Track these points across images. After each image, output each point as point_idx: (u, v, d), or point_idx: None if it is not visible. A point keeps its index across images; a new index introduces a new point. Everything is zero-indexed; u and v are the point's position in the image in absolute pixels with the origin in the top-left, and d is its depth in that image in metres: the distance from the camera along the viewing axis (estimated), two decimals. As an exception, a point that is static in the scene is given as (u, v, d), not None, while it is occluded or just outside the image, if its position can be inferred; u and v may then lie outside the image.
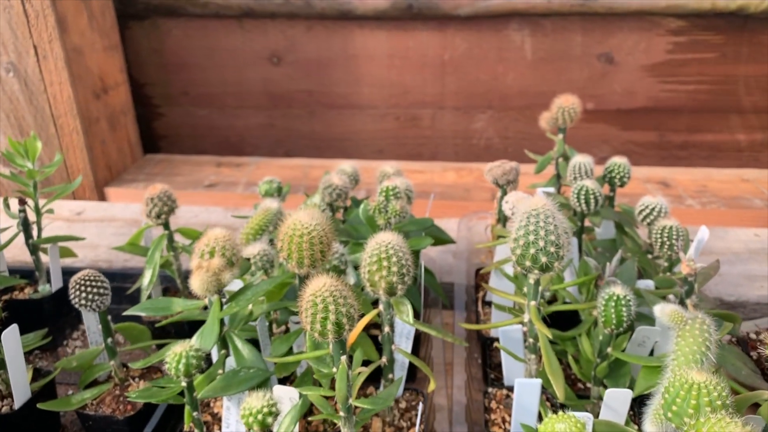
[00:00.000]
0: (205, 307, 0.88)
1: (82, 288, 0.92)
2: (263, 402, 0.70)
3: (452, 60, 2.06)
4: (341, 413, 0.75)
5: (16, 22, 1.74)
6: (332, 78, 2.14)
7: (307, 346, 0.82)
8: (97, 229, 1.71)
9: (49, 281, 1.28)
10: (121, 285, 1.34)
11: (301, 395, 0.79)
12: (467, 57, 2.05)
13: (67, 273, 1.30)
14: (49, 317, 1.24)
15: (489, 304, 1.18)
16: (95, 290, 0.92)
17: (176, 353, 0.77)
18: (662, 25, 1.94)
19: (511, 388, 0.97)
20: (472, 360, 1.12)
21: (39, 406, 0.95)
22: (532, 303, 0.82)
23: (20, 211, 1.24)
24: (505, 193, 1.17)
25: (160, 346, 1.13)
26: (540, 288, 0.82)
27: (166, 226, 1.14)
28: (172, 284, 1.29)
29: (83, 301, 0.92)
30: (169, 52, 2.16)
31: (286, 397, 0.80)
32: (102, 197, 1.98)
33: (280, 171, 2.11)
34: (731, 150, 2.08)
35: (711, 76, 1.99)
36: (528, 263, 0.78)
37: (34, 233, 1.26)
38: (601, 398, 0.91)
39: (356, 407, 0.75)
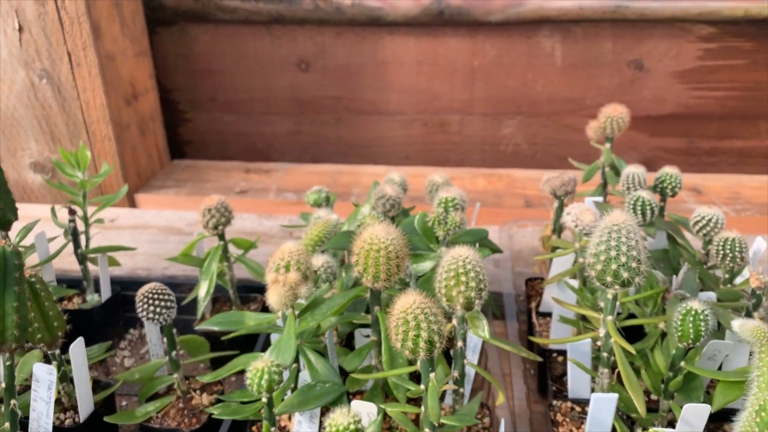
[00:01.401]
0: (272, 323, 0.88)
1: (150, 301, 0.92)
2: (349, 419, 0.70)
3: (482, 66, 2.06)
4: (426, 430, 0.74)
5: (51, 29, 1.74)
6: (360, 84, 2.14)
7: (384, 362, 0.82)
8: (132, 236, 1.71)
9: (96, 291, 1.28)
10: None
11: (379, 411, 0.79)
12: (497, 63, 2.05)
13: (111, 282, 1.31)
14: (98, 327, 1.23)
15: (543, 315, 1.18)
16: (162, 303, 0.92)
17: (258, 369, 0.76)
18: (693, 32, 1.94)
19: (575, 401, 0.97)
20: (529, 372, 1.11)
21: (106, 419, 0.95)
22: (609, 318, 0.82)
23: (70, 221, 1.23)
24: (562, 203, 1.17)
25: (217, 359, 1.13)
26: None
27: (222, 236, 1.14)
28: (221, 294, 1.29)
29: (150, 314, 0.92)
30: (197, 58, 2.16)
31: (364, 412, 0.80)
32: (132, 204, 1.98)
33: (309, 177, 2.11)
34: (760, 156, 2.08)
35: (741, 83, 1.99)
36: (609, 278, 0.78)
37: (82, 243, 1.26)
38: (670, 411, 0.91)
39: (441, 424, 0.75)
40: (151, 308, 0.91)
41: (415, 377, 0.80)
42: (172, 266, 1.57)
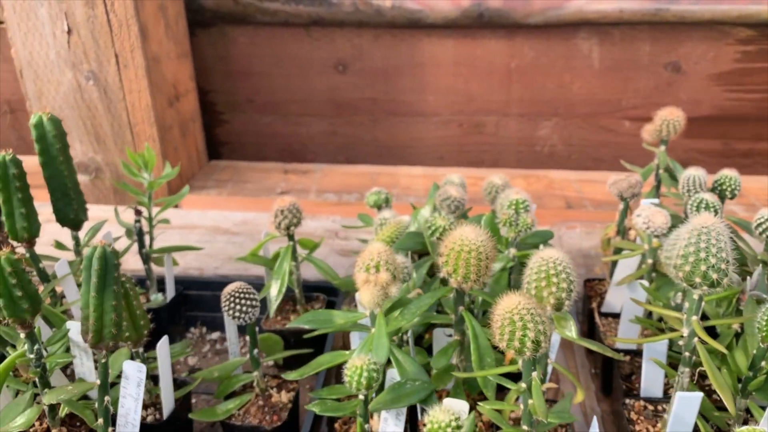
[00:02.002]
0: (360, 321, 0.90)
1: (236, 300, 0.94)
2: (449, 416, 0.72)
3: (519, 68, 2.08)
4: (524, 427, 0.76)
5: (99, 31, 1.76)
6: (397, 86, 2.16)
7: (474, 361, 0.84)
8: (180, 236, 1.73)
9: (160, 290, 1.30)
10: (213, 293, 1.36)
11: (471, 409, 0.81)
12: (534, 65, 2.07)
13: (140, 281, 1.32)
14: (163, 326, 1.25)
15: (605, 315, 1.20)
16: (248, 302, 0.94)
17: (357, 366, 0.78)
18: (732, 35, 1.95)
19: (648, 400, 0.99)
20: (590, 371, 1.13)
21: (191, 416, 0.97)
22: (694, 318, 0.84)
23: (136, 221, 1.25)
24: (627, 206, 1.18)
25: (289, 358, 1.14)
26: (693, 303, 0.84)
27: (291, 237, 1.16)
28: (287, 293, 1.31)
29: (237, 314, 0.93)
30: (235, 60, 2.18)
31: (457, 410, 0.82)
32: (174, 204, 2.00)
33: (347, 178, 2.13)
34: (796, 158, 2.09)
35: (778, 85, 2.01)
36: (697, 279, 0.79)
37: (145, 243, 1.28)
38: (747, 410, 0.92)
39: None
40: (237, 307, 0.93)
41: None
42: (223, 266, 1.59)
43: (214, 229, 1.77)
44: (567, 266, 0.81)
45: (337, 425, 0.96)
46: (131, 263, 1.46)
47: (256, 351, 0.99)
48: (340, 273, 1.43)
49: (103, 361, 0.88)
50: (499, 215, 1.13)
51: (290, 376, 0.92)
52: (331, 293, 1.28)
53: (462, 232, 0.84)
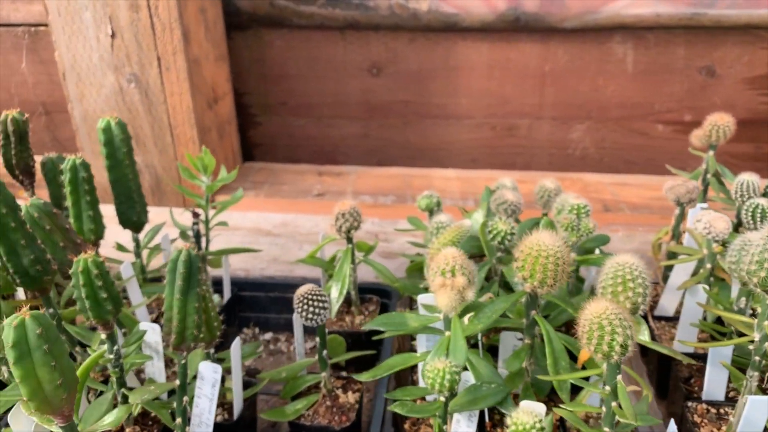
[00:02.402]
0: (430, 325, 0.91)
1: (308, 302, 0.95)
2: (534, 418, 0.74)
3: (553, 71, 2.09)
4: (606, 429, 0.78)
5: (143, 34, 1.78)
6: (431, 89, 2.17)
7: (549, 365, 0.85)
8: (224, 237, 1.75)
9: (216, 291, 1.32)
10: (266, 294, 1.38)
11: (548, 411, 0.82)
12: (568, 69, 2.08)
13: (216, 283, 1.34)
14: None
15: (658, 318, 1.21)
16: (319, 305, 0.96)
17: (439, 369, 0.80)
18: (767, 39, 1.96)
19: (710, 403, 1.00)
20: (653, 374, 1.14)
21: (263, 415, 0.98)
22: (767, 323, 0.85)
23: (194, 223, 1.27)
24: (683, 211, 1.20)
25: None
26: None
27: (350, 239, 1.18)
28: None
29: (309, 315, 0.95)
30: (270, 63, 2.20)
31: (537, 412, 0.83)
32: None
33: (381, 180, 2.14)
34: (829, 162, 2.10)
35: (813, 89, 2.02)
36: (774, 285, 0.81)
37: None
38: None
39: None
40: (310, 309, 0.95)
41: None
42: (268, 267, 1.61)
43: (256, 230, 1.79)
44: (642, 271, 0.82)
45: (407, 425, 0.97)
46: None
47: (325, 352, 1.01)
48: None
49: (183, 362, 0.90)
50: (556, 219, 1.14)
51: (363, 377, 0.94)
52: (384, 295, 1.30)
53: (539, 237, 0.85)
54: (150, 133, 1.92)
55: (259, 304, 1.37)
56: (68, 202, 1.08)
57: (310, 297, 0.96)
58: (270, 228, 1.81)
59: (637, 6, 1.92)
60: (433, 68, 2.14)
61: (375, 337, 1.00)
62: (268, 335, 1.38)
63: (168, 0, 1.73)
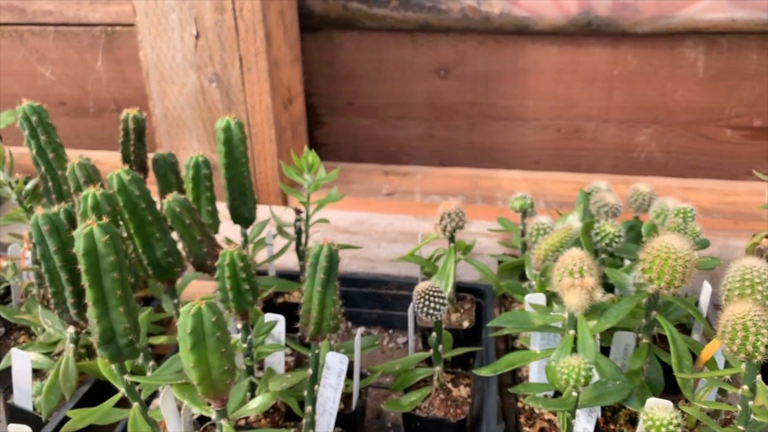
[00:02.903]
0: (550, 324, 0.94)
1: (428, 298, 0.99)
2: (670, 414, 0.76)
3: (621, 75, 2.10)
4: (740, 427, 0.80)
5: (226, 36, 1.84)
6: (498, 91, 2.20)
7: (674, 363, 0.88)
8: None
9: (313, 287, 1.36)
10: (359, 290, 1.42)
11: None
12: (637, 73, 2.09)
13: (293, 277, 1.38)
14: (318, 321, 1.32)
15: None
16: (439, 301, 0.99)
17: (573, 365, 0.83)
18: (842, 45, 1.96)
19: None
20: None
21: (384, 405, 1.02)
22: None
23: (296, 220, 1.32)
24: (786, 216, 1.21)
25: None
26: None
27: (452, 239, 1.21)
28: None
29: (430, 311, 0.99)
30: (339, 64, 2.24)
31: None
32: (285, 203, 2.07)
33: (448, 181, 2.18)
34: None
35: None
36: None
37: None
38: None
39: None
40: (431, 304, 0.98)
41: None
42: (350, 263, 1.65)
43: (333, 228, 1.83)
44: (771, 275, 0.85)
45: (522, 419, 1.00)
46: (279, 260, 1.51)
47: (440, 346, 1.04)
48: (473, 275, 1.47)
49: (317, 352, 0.94)
50: (658, 223, 1.17)
51: (483, 372, 0.97)
52: (478, 294, 1.33)
53: (666, 239, 0.88)
54: (228, 131, 1.96)
55: (350, 299, 1.41)
56: (189, 198, 1.13)
57: (430, 293, 0.99)
58: (346, 225, 1.86)
59: (712, 11, 1.93)
60: (501, 70, 2.16)
61: (492, 334, 1.03)
62: (361, 329, 1.42)
63: (252, 2, 1.78)
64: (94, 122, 2.47)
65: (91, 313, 0.78)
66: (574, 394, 0.85)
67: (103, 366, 0.88)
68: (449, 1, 2.05)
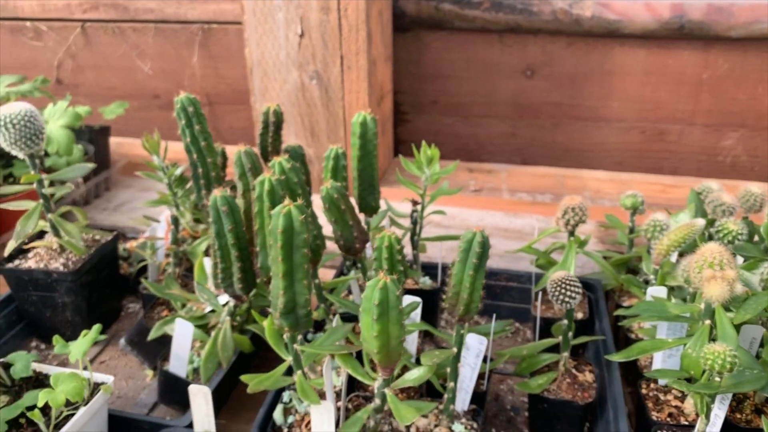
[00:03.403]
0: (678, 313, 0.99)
1: (564, 287, 1.05)
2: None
3: (710, 79, 2.12)
4: None
5: (330, 35, 1.92)
6: (583, 92, 2.24)
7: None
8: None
9: (426, 274, 1.43)
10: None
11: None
12: (727, 77, 2.10)
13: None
14: (432, 308, 1.39)
15: None
16: (574, 289, 1.05)
17: (719, 352, 0.87)
18: None
19: None
20: None
21: (517, 386, 1.08)
22: None
23: (413, 211, 1.39)
24: None
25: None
26: None
27: (572, 233, 1.26)
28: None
29: (566, 299, 1.04)
30: (426, 63, 2.31)
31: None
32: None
33: (534, 179, 2.22)
34: None
35: None
36: None
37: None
38: None
39: None
40: (567, 292, 1.04)
41: None
42: (448, 255, 1.71)
43: (428, 221, 1.90)
44: None
45: (650, 404, 1.05)
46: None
47: (570, 334, 1.10)
48: (579, 270, 1.52)
49: (462, 332, 1.00)
50: (777, 223, 1.20)
51: (615, 357, 1.03)
52: (588, 288, 1.37)
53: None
54: (325, 127, 2.06)
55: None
56: (327, 187, 1.21)
57: (565, 283, 1.05)
58: (439, 219, 1.92)
59: (809, 16, 1.93)
60: (588, 72, 2.20)
61: (622, 323, 1.08)
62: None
63: (357, 2, 1.86)
64: (187, 115, 2.59)
65: (278, 285, 0.86)
66: (717, 379, 0.90)
67: (270, 335, 0.96)
68: (541, 4, 2.09)
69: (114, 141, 2.32)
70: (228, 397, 1.21)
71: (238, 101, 2.52)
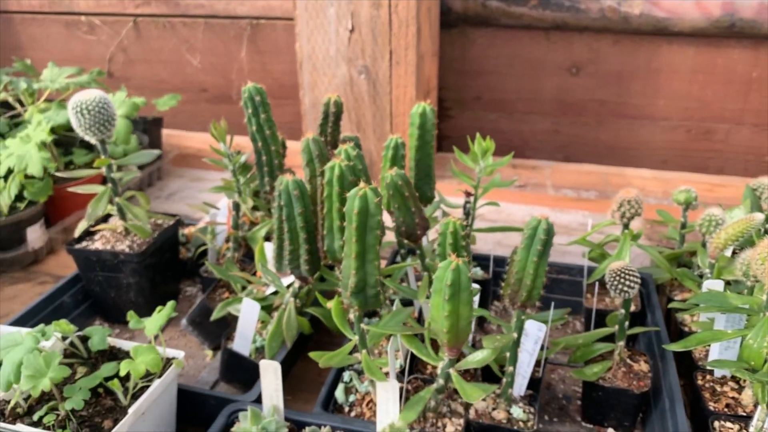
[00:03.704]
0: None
1: (623, 276, 1.06)
2: None
3: (760, 78, 2.10)
4: None
5: (380, 30, 1.95)
6: (629, 89, 2.23)
7: None
8: (443, 219, 1.89)
9: (477, 265, 1.46)
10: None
11: None
12: (777, 75, 2.08)
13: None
14: (483, 297, 1.41)
15: None
16: (633, 279, 1.06)
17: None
18: None
19: None
20: None
21: (573, 373, 1.10)
22: None
23: (466, 202, 1.42)
24: None
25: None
26: None
27: (627, 226, 1.28)
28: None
29: (625, 288, 1.06)
30: (471, 60, 2.33)
31: None
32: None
33: (578, 176, 2.23)
34: None
35: None
36: None
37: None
38: None
39: None
40: (626, 282, 1.06)
41: None
42: (496, 248, 1.73)
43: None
44: None
45: (706, 394, 1.06)
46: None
47: (626, 324, 1.11)
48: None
49: (522, 318, 1.03)
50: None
51: (673, 347, 1.04)
52: (638, 281, 1.38)
53: None
54: (371, 121, 2.09)
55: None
56: (386, 175, 1.24)
57: (624, 272, 1.06)
58: (484, 212, 1.94)
59: None
60: (634, 69, 2.20)
61: (688, 312, 1.10)
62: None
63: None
64: (233, 109, 2.65)
65: (350, 265, 0.90)
66: (779, 368, 0.91)
67: (337, 315, 1.00)
68: (588, 1, 2.10)
69: (163, 132, 2.39)
70: (286, 376, 1.25)
71: (284, 96, 2.56)
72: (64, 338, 1.07)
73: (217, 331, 1.32)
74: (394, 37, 1.95)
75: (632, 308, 1.31)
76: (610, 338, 1.16)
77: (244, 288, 1.32)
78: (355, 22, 1.96)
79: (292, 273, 1.09)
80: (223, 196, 1.48)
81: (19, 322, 1.27)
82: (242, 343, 1.18)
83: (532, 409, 1.06)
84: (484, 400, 1.06)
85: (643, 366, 1.14)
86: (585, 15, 2.12)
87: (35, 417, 0.95)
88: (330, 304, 1.02)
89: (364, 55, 2.00)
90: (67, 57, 2.74)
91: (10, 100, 1.92)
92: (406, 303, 1.25)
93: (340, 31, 1.99)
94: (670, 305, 1.20)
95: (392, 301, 1.27)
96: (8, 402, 0.99)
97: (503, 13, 2.20)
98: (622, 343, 1.13)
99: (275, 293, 1.24)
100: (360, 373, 1.12)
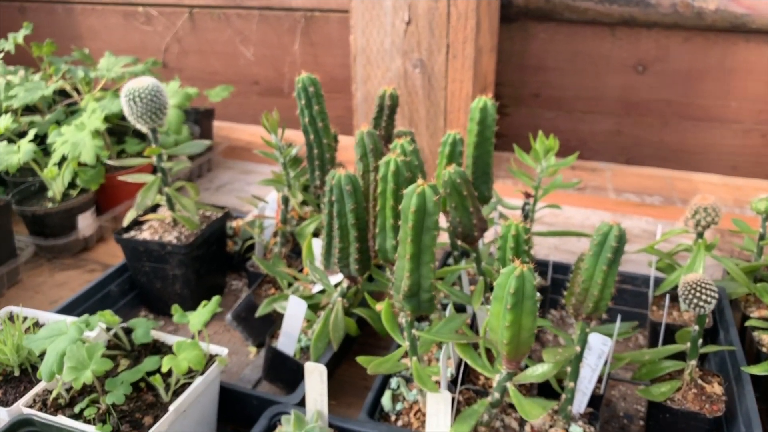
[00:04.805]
0: None
1: (698, 290, 0.97)
2: None
3: None
4: None
5: (437, 23, 1.89)
6: (698, 90, 2.11)
7: None
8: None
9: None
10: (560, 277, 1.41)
11: None
12: None
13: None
14: (544, 305, 1.33)
15: None
16: (711, 293, 0.97)
17: None
18: None
19: None
20: None
21: (638, 392, 1.02)
22: None
23: (525, 203, 1.34)
24: None
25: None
26: None
27: (701, 235, 1.18)
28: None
29: (701, 303, 0.97)
30: (531, 55, 2.24)
31: None
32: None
33: (641, 180, 2.12)
34: None
35: None
36: None
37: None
38: None
39: None
40: (702, 296, 0.97)
41: None
42: (550, 254, 1.65)
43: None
44: None
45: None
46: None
47: (700, 341, 1.02)
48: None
49: (587, 330, 0.95)
50: None
51: (753, 370, 0.95)
52: (709, 294, 1.28)
53: None
54: (425, 116, 2.03)
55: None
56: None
57: (701, 285, 0.98)
58: (539, 216, 1.85)
59: None
60: (706, 69, 2.07)
61: (755, 333, 1.00)
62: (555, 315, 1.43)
63: (467, -9, 1.82)
64: (284, 102, 2.63)
65: (404, 266, 0.84)
66: None
67: (387, 319, 0.94)
68: (659, -5, 1.99)
69: (214, 124, 2.38)
70: (330, 379, 1.21)
71: (335, 89, 2.53)
72: (108, 329, 1.05)
73: (261, 327, 1.28)
74: (452, 30, 1.89)
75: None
76: (677, 356, 1.07)
77: (290, 284, 1.28)
78: (412, 14, 1.90)
79: (340, 272, 1.04)
80: (273, 190, 1.45)
81: (67, 309, 1.27)
82: (287, 342, 1.14)
83: (592, 429, 0.98)
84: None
85: (716, 388, 1.05)
86: (654, 10, 2.01)
87: (76, 409, 0.93)
88: (379, 306, 0.97)
89: (420, 48, 1.94)
90: (123, 47, 2.78)
91: (68, 88, 1.94)
92: (459, 308, 1.19)
93: (396, 23, 1.93)
94: (747, 323, 1.10)
95: (444, 306, 1.21)
96: (50, 392, 0.97)
97: (567, 7, 2.10)
98: (694, 362, 1.04)
99: (322, 292, 1.19)
100: (408, 380, 1.06)
